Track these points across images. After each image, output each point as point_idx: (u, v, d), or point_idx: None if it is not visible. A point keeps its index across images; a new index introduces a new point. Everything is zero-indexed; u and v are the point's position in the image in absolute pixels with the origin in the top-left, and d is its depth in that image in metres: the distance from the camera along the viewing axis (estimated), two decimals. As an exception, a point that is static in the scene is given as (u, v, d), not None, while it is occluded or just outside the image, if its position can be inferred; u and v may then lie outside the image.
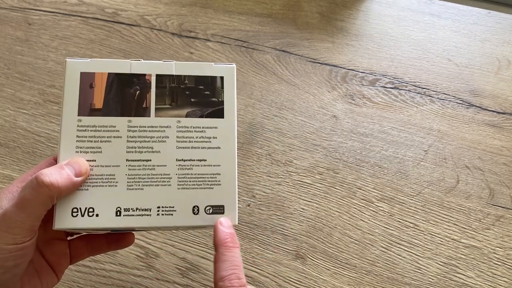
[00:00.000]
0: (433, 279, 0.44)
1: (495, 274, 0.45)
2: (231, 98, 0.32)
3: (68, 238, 0.34)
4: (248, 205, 0.47)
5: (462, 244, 0.46)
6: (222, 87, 0.32)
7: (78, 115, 0.30)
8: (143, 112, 0.31)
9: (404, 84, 0.58)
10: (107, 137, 0.30)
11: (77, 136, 0.30)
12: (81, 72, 0.30)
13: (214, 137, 0.31)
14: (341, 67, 0.59)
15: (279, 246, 0.45)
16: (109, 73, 0.31)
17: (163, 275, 0.43)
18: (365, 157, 0.51)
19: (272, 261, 0.44)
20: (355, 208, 0.48)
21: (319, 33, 0.62)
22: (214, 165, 0.31)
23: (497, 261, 0.45)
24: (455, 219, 0.48)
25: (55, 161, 0.31)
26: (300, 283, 0.43)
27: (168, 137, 0.31)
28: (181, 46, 0.59)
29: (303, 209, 0.48)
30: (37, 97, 0.53)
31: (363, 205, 0.48)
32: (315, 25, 0.63)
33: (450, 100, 0.56)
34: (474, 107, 0.56)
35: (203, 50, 0.59)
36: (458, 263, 0.45)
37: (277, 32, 0.62)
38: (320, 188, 0.49)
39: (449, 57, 0.60)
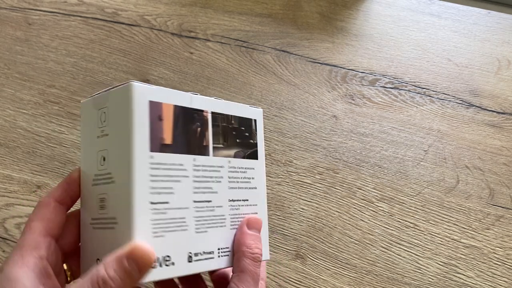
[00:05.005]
0: (433, 279, 0.44)
1: (495, 274, 0.45)
2: (261, 140, 0.33)
3: None
4: (248, 205, 0.47)
5: (462, 244, 0.46)
6: (256, 130, 0.33)
7: (150, 151, 0.26)
8: (204, 150, 0.29)
9: (404, 84, 0.58)
10: (177, 176, 0.27)
11: (151, 175, 0.25)
12: (150, 101, 0.26)
13: (252, 178, 0.32)
14: (341, 67, 0.59)
15: (279, 246, 0.45)
16: (174, 106, 0.28)
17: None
18: (365, 157, 0.51)
19: (272, 261, 0.44)
20: (355, 208, 0.48)
21: (319, 33, 0.62)
22: (253, 205, 0.32)
23: (497, 261, 0.45)
24: (455, 219, 0.48)
25: (67, 184, 0.28)
26: (300, 283, 0.43)
27: (222, 177, 0.30)
28: (181, 46, 0.59)
29: (303, 209, 0.48)
30: (37, 97, 0.53)
31: (363, 205, 0.48)
32: (315, 25, 0.63)
33: (450, 100, 0.56)
34: (474, 107, 0.56)
35: (203, 50, 0.59)
36: (458, 263, 0.45)
37: (277, 32, 0.62)
38: (320, 188, 0.49)
39: (449, 57, 0.60)
